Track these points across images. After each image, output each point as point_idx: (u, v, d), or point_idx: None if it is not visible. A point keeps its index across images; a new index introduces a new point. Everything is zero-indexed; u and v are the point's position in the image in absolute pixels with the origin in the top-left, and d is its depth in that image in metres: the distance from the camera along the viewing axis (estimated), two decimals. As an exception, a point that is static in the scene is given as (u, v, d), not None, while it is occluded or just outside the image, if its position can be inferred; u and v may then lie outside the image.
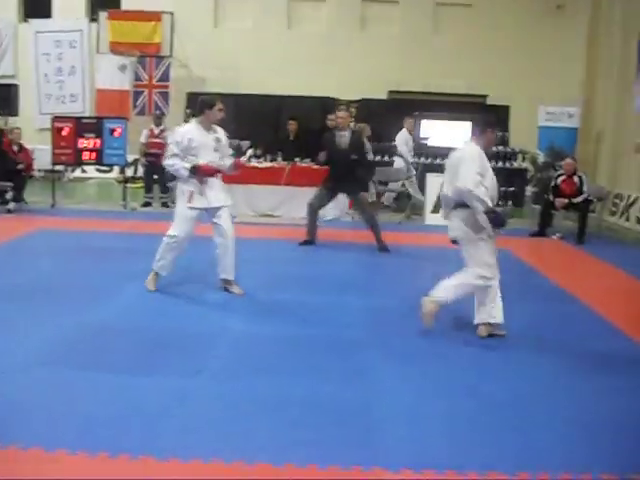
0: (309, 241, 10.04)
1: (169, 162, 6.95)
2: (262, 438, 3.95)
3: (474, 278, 6.00)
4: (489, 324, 6.07)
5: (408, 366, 5.24)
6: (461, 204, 5.99)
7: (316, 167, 12.68)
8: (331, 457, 3.75)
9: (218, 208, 7.16)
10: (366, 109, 17.17)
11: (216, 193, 7.08)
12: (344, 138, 9.67)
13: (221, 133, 7.15)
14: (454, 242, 6.27)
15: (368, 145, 13.99)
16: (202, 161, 6.92)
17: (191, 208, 7.04)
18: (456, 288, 6.06)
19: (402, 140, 14.22)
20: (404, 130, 14.28)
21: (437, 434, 4.09)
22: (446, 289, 6.07)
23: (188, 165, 6.84)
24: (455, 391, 4.76)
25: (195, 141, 6.90)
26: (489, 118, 6.61)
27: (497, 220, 5.87)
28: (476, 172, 5.87)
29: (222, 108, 7.09)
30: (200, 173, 6.90)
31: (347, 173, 9.57)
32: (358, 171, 9.72)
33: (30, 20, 19.53)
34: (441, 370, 5.19)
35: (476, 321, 6.10)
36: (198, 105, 7.14)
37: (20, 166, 12.62)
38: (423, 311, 6.03)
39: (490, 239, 6.05)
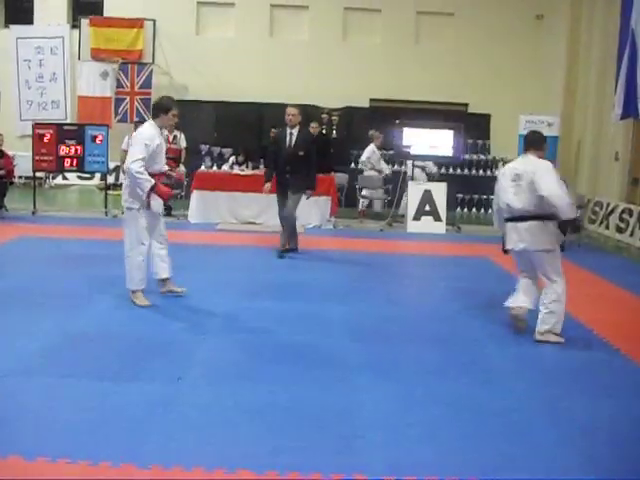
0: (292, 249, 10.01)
1: (138, 169, 6.66)
2: (244, 445, 3.95)
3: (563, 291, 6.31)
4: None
5: (389, 373, 5.26)
6: (536, 215, 6.20)
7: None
8: (313, 464, 3.75)
9: (159, 214, 7.18)
10: (348, 117, 17.23)
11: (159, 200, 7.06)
12: (293, 136, 9.65)
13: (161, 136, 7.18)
14: (507, 252, 6.60)
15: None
16: (157, 166, 6.92)
17: (148, 215, 6.95)
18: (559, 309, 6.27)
19: (368, 153, 14.35)
20: (372, 145, 14.36)
21: (418, 441, 4.11)
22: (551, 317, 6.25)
23: (152, 182, 6.74)
24: (436, 398, 4.78)
25: (156, 147, 6.89)
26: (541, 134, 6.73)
27: (577, 226, 6.22)
28: (558, 182, 6.09)
29: (176, 114, 7.13)
30: (159, 194, 6.88)
31: (294, 170, 9.53)
32: (305, 168, 9.64)
33: (11, 26, 19.44)
34: (422, 377, 5.21)
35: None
36: (153, 107, 7.19)
37: (0, 172, 12.55)
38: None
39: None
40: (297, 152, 9.55)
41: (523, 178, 6.21)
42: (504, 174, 6.55)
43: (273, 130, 13.57)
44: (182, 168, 13.74)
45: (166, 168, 7.23)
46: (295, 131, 9.64)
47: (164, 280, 7.30)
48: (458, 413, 4.53)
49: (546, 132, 15.74)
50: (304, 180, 9.66)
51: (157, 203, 6.99)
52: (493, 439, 4.19)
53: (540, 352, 6.00)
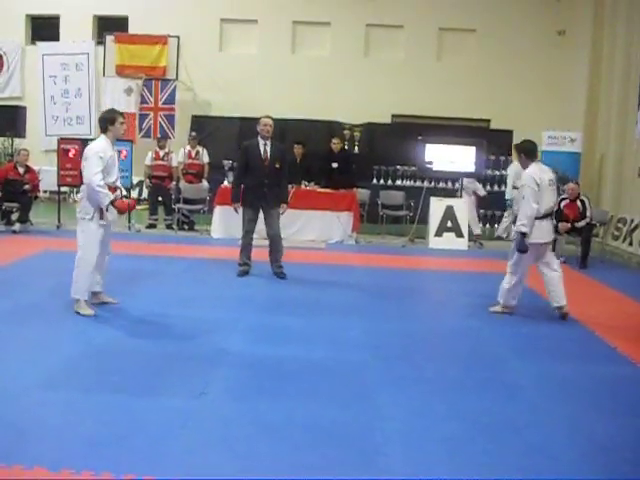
0: (248, 270, 9.59)
1: (99, 182, 6.82)
2: (264, 461, 3.95)
3: None
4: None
5: (411, 389, 5.25)
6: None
7: (320, 190, 12.79)
8: (334, 480, 3.76)
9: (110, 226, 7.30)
10: (370, 133, 17.25)
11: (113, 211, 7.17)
12: (267, 147, 9.35)
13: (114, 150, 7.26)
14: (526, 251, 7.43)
15: None
16: (111, 178, 7.05)
17: (100, 225, 7.06)
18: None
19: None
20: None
21: (439, 457, 4.09)
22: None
23: (111, 197, 6.90)
24: (457, 415, 4.77)
25: (109, 158, 7.01)
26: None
27: None
28: None
29: (124, 121, 7.25)
30: (118, 208, 7.04)
31: (271, 183, 9.24)
32: (280, 181, 9.42)
33: (37, 43, 19.70)
34: (444, 393, 5.20)
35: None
36: (100, 122, 7.26)
37: (26, 187, 12.69)
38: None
39: None
40: (274, 164, 9.28)
41: (553, 183, 7.60)
42: (542, 181, 7.47)
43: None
44: (205, 183, 13.85)
45: (119, 184, 7.35)
46: (269, 142, 9.36)
47: (96, 293, 7.34)
48: (480, 429, 4.52)
49: (568, 148, 15.94)
50: (279, 193, 9.43)
51: (111, 214, 7.12)
52: (515, 455, 4.16)
53: (563, 368, 5.96)
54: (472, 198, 13.86)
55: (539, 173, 7.49)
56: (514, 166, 13.37)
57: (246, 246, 9.53)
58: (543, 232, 7.53)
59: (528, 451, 4.24)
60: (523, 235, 7.34)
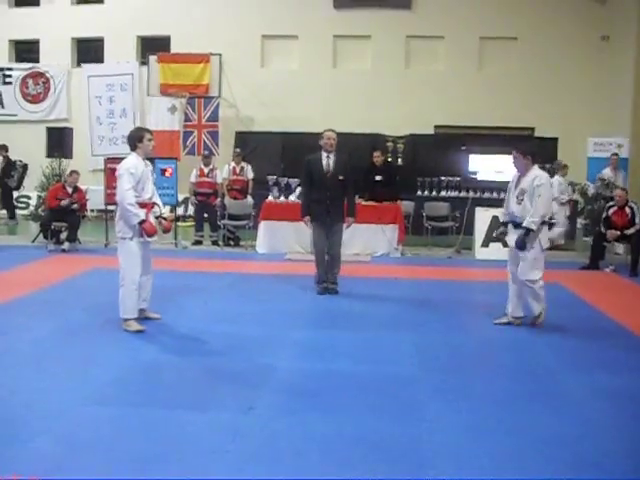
0: (327, 288, 9.36)
1: (130, 201, 6.91)
2: (314, 475, 3.94)
3: None
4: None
5: (459, 403, 5.19)
6: None
7: (365, 203, 12.77)
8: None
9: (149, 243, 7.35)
10: (414, 144, 17.19)
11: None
12: (330, 160, 9.19)
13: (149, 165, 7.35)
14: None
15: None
16: (147, 195, 7.17)
17: (140, 243, 7.14)
18: None
19: (558, 187, 13.92)
20: (557, 177, 13.72)
21: (489, 472, 4.03)
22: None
23: (140, 217, 6.96)
24: (506, 428, 4.70)
25: (141, 174, 7.09)
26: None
27: None
28: None
29: (152, 138, 7.30)
30: (145, 231, 7.03)
31: (334, 196, 9.13)
32: (344, 194, 9.28)
33: (83, 65, 20.08)
34: (493, 407, 5.13)
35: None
36: (128, 141, 7.32)
37: (74, 206, 12.87)
38: None
39: None
40: (337, 176, 9.15)
41: None
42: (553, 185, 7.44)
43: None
44: (250, 199, 13.92)
45: (157, 200, 7.44)
46: (332, 156, 9.20)
47: (140, 309, 7.37)
48: (530, 443, 4.44)
49: (615, 154, 15.66)
50: (343, 205, 9.32)
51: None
52: (565, 470, 4.08)
53: (614, 379, 5.85)
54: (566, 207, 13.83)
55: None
56: (556, 180, 13.14)
57: (320, 262, 9.37)
58: (547, 237, 7.62)
59: (579, 466, 4.16)
60: (528, 233, 7.21)
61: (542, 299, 7.49)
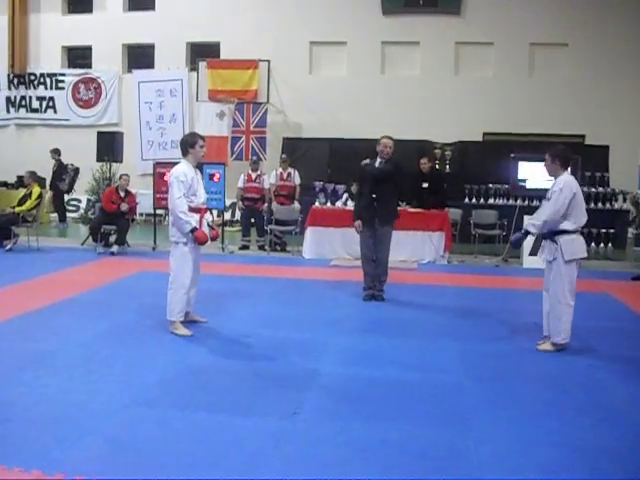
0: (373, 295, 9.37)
1: (182, 209, 6.98)
2: (358, 482, 3.94)
3: None
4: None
5: (505, 412, 5.12)
6: None
7: (412, 210, 12.72)
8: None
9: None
10: (462, 152, 17.09)
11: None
12: (382, 164, 9.14)
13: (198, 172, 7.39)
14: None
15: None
16: (200, 199, 7.26)
17: (193, 248, 7.21)
18: None
19: None
20: None
21: (537, 482, 3.99)
22: None
23: (192, 225, 7.00)
24: (554, 439, 4.63)
25: (191, 180, 7.12)
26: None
27: None
28: None
29: (204, 145, 7.32)
30: (197, 239, 7.08)
31: (380, 197, 9.03)
32: (391, 195, 9.24)
33: (134, 71, 20.37)
34: (539, 417, 5.06)
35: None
36: (181, 146, 7.34)
37: (124, 209, 13.03)
38: None
39: None
40: (384, 177, 9.07)
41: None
42: (577, 192, 6.84)
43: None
44: (297, 205, 13.96)
45: (205, 205, 7.47)
46: (384, 162, 9.16)
47: (186, 312, 7.42)
48: (578, 455, 4.37)
49: (668, 163, 15.39)
50: (392, 209, 9.29)
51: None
52: (616, 483, 4.03)
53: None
54: None
55: (576, 182, 6.92)
56: None
57: (366, 269, 9.35)
58: (584, 246, 6.94)
59: (629, 476, 4.08)
60: (526, 235, 7.00)
61: (567, 323, 6.89)
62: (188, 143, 7.25)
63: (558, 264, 6.84)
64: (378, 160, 9.22)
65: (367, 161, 9.50)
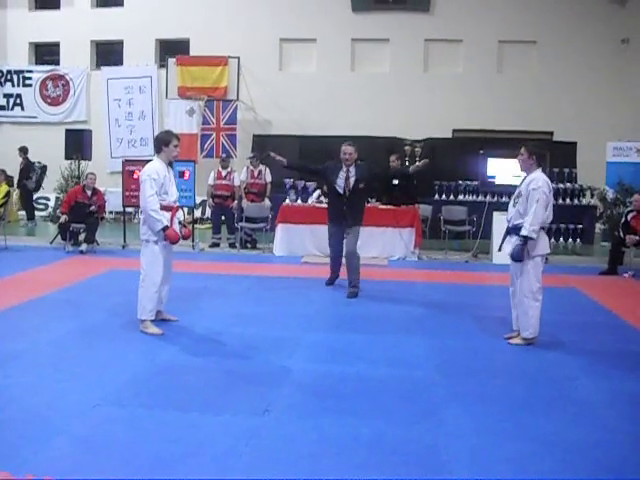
0: (334, 278, 9.96)
1: (153, 207, 6.95)
2: (329, 479, 3.94)
3: None
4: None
5: (477, 407, 5.16)
6: None
7: (382, 207, 12.77)
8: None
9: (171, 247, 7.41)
10: (431, 148, 17.14)
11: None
12: (350, 173, 9.24)
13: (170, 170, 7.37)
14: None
15: None
16: (172, 198, 7.24)
17: (163, 246, 7.19)
18: None
19: None
20: None
21: (504, 478, 4.01)
22: None
23: (164, 224, 6.99)
24: (525, 434, 4.68)
25: (165, 178, 7.12)
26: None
27: None
28: None
29: (178, 144, 7.30)
30: (168, 238, 7.07)
31: (351, 204, 9.28)
32: (362, 201, 9.62)
33: (102, 68, 20.22)
34: (510, 412, 5.11)
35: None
36: (155, 143, 7.33)
37: (92, 208, 12.94)
38: None
39: None
40: (358, 186, 9.26)
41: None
42: (551, 191, 6.93)
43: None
44: (267, 202, 13.94)
45: (176, 203, 7.44)
46: (352, 169, 9.28)
47: (157, 311, 7.40)
48: (547, 449, 4.42)
49: (634, 159, 15.61)
50: (361, 210, 9.53)
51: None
52: (584, 475, 4.06)
53: (634, 385, 5.81)
54: None
55: (548, 180, 6.97)
56: None
57: (333, 262, 9.86)
58: (547, 242, 7.02)
59: (598, 472, 4.13)
60: (526, 242, 6.77)
61: (534, 318, 6.95)
62: (163, 141, 7.21)
63: (524, 260, 6.87)
64: (344, 169, 9.31)
65: (331, 163, 9.56)
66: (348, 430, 4.64)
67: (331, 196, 9.59)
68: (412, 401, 5.29)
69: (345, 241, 9.46)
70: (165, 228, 7.00)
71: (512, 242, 6.96)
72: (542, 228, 6.87)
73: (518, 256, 6.84)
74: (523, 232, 6.76)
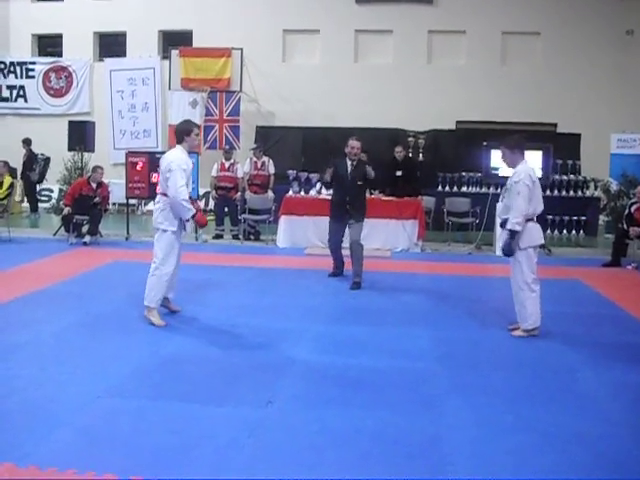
0: (338, 273, 10.09)
1: (184, 196, 6.98)
2: (331, 471, 3.94)
3: None
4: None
5: (478, 399, 5.17)
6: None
7: (385, 198, 12.76)
8: (401, 490, 3.73)
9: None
10: (435, 140, 17.14)
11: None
12: (354, 167, 9.54)
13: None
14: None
15: None
16: (189, 189, 7.23)
17: (178, 236, 7.26)
18: None
19: None
20: None
21: (508, 470, 4.02)
22: None
23: (193, 210, 7.05)
24: (526, 426, 4.68)
25: (190, 169, 7.21)
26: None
27: None
28: None
29: (199, 133, 7.36)
30: (198, 222, 7.27)
31: (353, 199, 9.53)
32: (362, 196, 9.79)
33: (105, 59, 20.20)
34: (512, 404, 5.11)
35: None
36: (177, 133, 7.32)
37: (96, 200, 12.93)
38: None
39: None
40: (356, 182, 9.51)
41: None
42: (536, 180, 6.85)
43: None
44: (270, 194, 13.93)
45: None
46: (356, 163, 9.56)
47: (166, 298, 7.44)
48: (548, 441, 4.42)
49: (639, 151, 15.55)
50: (363, 205, 9.74)
51: (188, 226, 7.41)
52: (585, 469, 4.06)
53: (635, 378, 5.80)
54: None
55: (532, 171, 6.91)
56: None
57: (334, 256, 10.06)
58: (541, 233, 6.97)
59: (599, 464, 4.13)
60: (513, 236, 6.77)
61: (533, 310, 6.96)
62: (185, 131, 7.21)
63: (515, 252, 6.89)
64: (348, 162, 9.55)
65: (338, 160, 9.77)
66: (351, 421, 4.65)
67: (336, 190, 9.79)
68: (414, 392, 5.30)
69: (349, 232, 9.62)
70: (195, 214, 7.06)
71: (502, 236, 7.05)
72: (532, 219, 6.86)
73: (508, 250, 6.88)
74: (508, 226, 6.80)
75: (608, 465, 4.10)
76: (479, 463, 4.08)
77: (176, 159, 7.07)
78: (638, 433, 4.62)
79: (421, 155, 16.69)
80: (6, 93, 21.07)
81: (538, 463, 4.11)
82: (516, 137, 7.07)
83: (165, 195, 7.11)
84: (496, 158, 13.29)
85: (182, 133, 7.22)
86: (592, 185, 15.49)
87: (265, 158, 14.31)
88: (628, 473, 4.03)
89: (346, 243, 9.81)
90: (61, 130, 15.70)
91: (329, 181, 9.94)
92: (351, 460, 4.08)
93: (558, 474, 3.98)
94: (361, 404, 5.00)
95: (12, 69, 20.96)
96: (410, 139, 16.58)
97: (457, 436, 4.47)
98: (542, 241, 7.06)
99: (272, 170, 14.25)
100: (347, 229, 9.72)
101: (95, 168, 13.39)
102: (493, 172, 13.41)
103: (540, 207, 6.90)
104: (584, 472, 4.01)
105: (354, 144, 9.48)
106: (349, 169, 9.52)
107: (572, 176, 15.45)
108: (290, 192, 13.37)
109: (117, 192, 16.13)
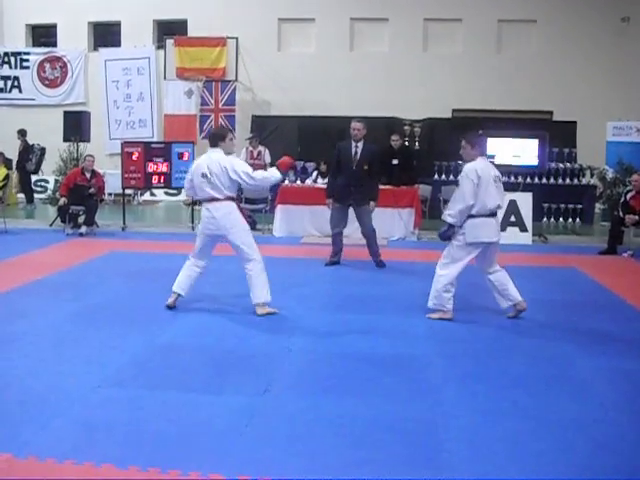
0: (335, 262, 10.10)
1: (258, 175, 7.15)
2: (327, 458, 3.96)
3: None
4: None
5: (474, 386, 5.19)
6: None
7: (382, 187, 12.73)
8: (396, 477, 3.74)
9: None
10: (431, 128, 17.12)
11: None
12: (358, 149, 9.70)
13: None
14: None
15: None
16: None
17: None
18: None
19: None
20: None
21: (504, 456, 4.03)
22: None
23: (278, 174, 7.21)
24: (522, 412, 4.70)
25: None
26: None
27: None
28: None
29: (233, 138, 7.46)
30: (284, 165, 7.30)
31: (358, 183, 9.62)
32: (368, 180, 9.78)
33: (100, 49, 20.14)
34: (508, 391, 5.12)
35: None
36: (210, 138, 7.42)
37: (91, 190, 12.91)
38: None
39: None
40: (362, 165, 9.64)
41: (499, 180, 7.12)
42: (485, 176, 6.96)
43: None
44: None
45: None
46: (360, 144, 9.71)
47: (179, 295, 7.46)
48: (545, 427, 4.43)
49: (634, 138, 15.55)
50: (368, 192, 9.78)
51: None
52: (581, 454, 4.08)
53: (632, 364, 5.82)
54: None
55: (484, 168, 7.05)
56: None
57: (335, 241, 10.09)
58: (491, 230, 7.01)
59: (595, 450, 4.15)
60: (450, 226, 7.00)
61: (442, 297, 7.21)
62: (219, 136, 7.31)
63: (458, 241, 7.08)
64: (353, 143, 9.71)
65: (342, 143, 9.97)
66: (347, 409, 4.67)
67: (340, 173, 9.85)
68: (410, 380, 5.31)
69: (359, 222, 9.94)
70: (282, 171, 7.25)
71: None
72: (483, 215, 6.94)
73: (442, 236, 7.25)
74: (442, 216, 7.21)
75: (603, 450, 4.12)
76: (475, 449, 4.10)
77: (228, 157, 7.19)
78: (633, 418, 4.64)
79: (417, 143, 16.68)
80: (0, 84, 21.01)
81: (534, 449, 4.12)
82: (479, 135, 7.24)
83: (231, 200, 7.30)
84: (492, 146, 13.34)
85: (217, 138, 7.29)
86: (588, 173, 15.48)
87: (261, 147, 14.31)
88: (623, 458, 4.05)
89: (350, 231, 10.19)
90: (56, 121, 15.66)
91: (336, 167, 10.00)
92: (347, 447, 4.10)
93: (554, 459, 3.99)
94: (357, 392, 5.02)
95: (6, 59, 20.90)
96: (406, 127, 16.55)
97: (453, 423, 4.48)
98: (489, 239, 7.02)
99: (268, 159, 14.24)
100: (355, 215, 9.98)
101: (85, 157, 13.37)
102: (489, 160, 13.40)
103: (492, 203, 6.96)
104: (580, 457, 4.03)
105: (355, 125, 9.74)
106: (353, 151, 9.68)
107: (568, 164, 15.45)
108: (286, 181, 13.35)
109: (113, 182, 16.12)
